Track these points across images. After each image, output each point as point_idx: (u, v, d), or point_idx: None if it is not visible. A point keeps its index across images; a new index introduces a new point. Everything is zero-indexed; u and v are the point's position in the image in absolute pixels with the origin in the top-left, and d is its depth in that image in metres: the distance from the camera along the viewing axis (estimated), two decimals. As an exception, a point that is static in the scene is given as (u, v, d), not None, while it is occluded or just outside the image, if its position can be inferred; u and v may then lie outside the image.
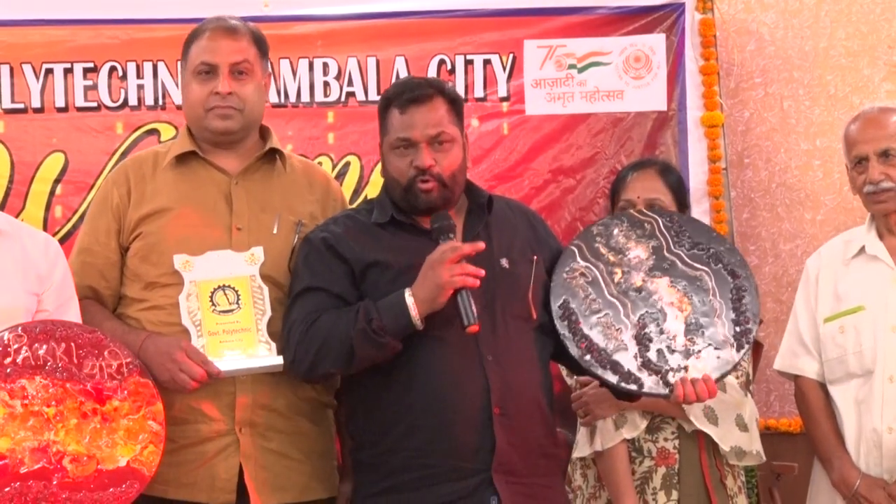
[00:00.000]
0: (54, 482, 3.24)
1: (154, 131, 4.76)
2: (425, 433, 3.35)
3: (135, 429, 3.34)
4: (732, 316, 3.47)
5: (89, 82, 4.77)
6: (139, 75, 4.77)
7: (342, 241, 3.46)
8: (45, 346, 3.31)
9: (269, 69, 3.81)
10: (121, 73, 4.77)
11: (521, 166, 4.91)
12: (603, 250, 3.54)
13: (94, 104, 4.76)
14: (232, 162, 3.67)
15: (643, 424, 3.92)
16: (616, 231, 3.57)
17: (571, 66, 4.91)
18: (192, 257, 3.52)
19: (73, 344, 3.33)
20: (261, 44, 3.71)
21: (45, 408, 3.29)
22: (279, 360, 3.47)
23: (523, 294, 3.44)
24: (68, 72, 4.75)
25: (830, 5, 5.17)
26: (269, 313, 3.53)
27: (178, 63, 3.85)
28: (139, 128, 4.77)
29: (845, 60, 5.18)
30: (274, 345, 3.50)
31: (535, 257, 3.51)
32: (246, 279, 3.54)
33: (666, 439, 3.94)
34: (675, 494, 3.91)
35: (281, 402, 3.55)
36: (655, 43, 4.93)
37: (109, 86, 4.77)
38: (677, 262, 3.53)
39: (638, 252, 3.54)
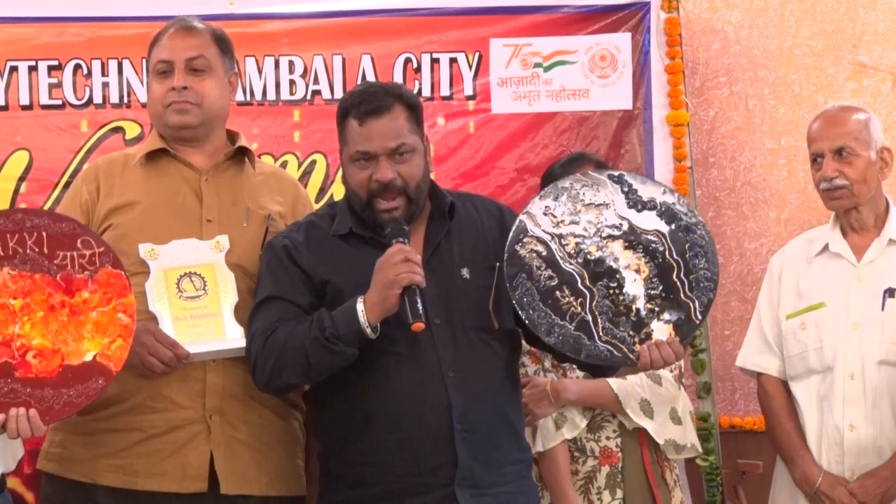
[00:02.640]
0: (17, 377, 3.20)
1: (119, 129, 4.75)
2: (385, 450, 3.34)
3: (104, 322, 3.28)
4: (691, 273, 3.38)
5: (54, 80, 4.75)
6: (104, 73, 4.75)
7: (302, 250, 3.43)
8: (15, 237, 3.25)
9: (236, 69, 3.84)
10: (85, 71, 4.76)
11: (487, 165, 4.91)
12: (553, 220, 3.42)
13: (59, 102, 4.74)
14: (201, 160, 3.71)
15: (583, 423, 3.92)
16: (565, 197, 3.45)
17: (537, 65, 4.91)
18: (156, 246, 3.56)
19: (44, 234, 3.28)
20: (221, 42, 3.75)
21: (11, 300, 3.23)
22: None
23: (484, 305, 3.40)
24: (33, 69, 4.73)
25: (795, 4, 5.19)
26: (235, 299, 3.55)
27: (144, 61, 3.85)
28: (104, 126, 4.75)
29: (810, 59, 5.20)
30: (242, 329, 3.52)
31: (498, 264, 3.44)
32: (211, 266, 3.57)
33: (608, 438, 3.95)
34: (619, 493, 3.91)
35: (250, 393, 3.55)
36: (621, 42, 4.93)
37: (74, 84, 4.76)
38: (630, 222, 3.42)
39: (589, 217, 3.42)
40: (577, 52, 4.92)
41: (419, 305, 3.21)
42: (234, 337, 3.52)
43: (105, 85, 4.76)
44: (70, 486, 3.57)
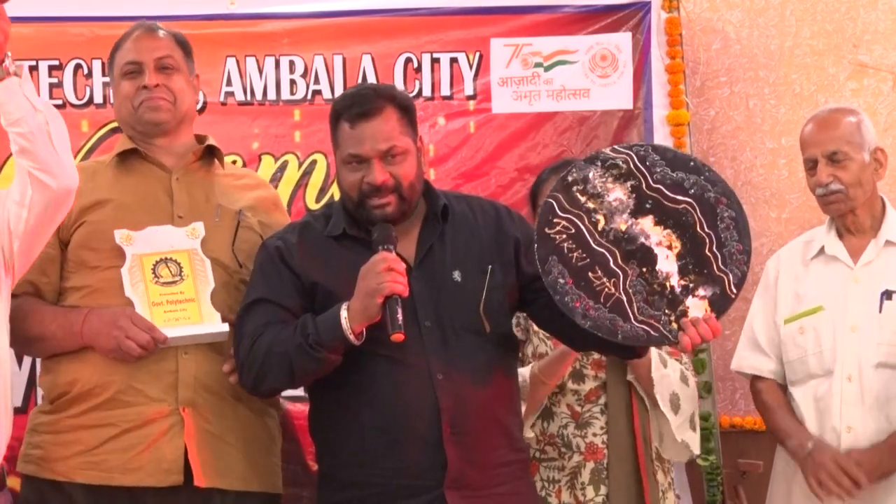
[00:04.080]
0: None
1: (119, 129, 4.70)
2: (375, 452, 3.35)
3: None
4: (724, 247, 3.30)
5: (54, 80, 4.77)
6: (105, 73, 4.74)
7: (294, 251, 3.44)
8: None
9: (196, 72, 3.88)
10: (86, 71, 4.77)
11: (487, 164, 4.92)
12: (581, 198, 3.32)
13: (60, 102, 4.73)
14: (171, 160, 3.74)
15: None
16: (592, 175, 3.34)
17: (538, 65, 4.92)
18: (132, 232, 3.57)
19: None
20: (184, 45, 3.81)
21: None
22: (225, 328, 3.52)
23: (475, 308, 3.40)
24: (33, 69, 4.72)
25: (795, 4, 5.19)
26: (212, 285, 3.57)
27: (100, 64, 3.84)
28: (104, 126, 4.77)
29: (810, 59, 5.20)
30: (218, 314, 3.54)
31: (490, 266, 3.44)
32: (187, 252, 3.59)
33: (595, 434, 3.96)
34: (603, 490, 3.92)
35: (224, 386, 3.56)
36: (621, 41, 4.93)
37: (75, 83, 4.77)
38: (659, 197, 3.32)
39: (617, 194, 3.33)
40: (578, 51, 4.92)
41: (399, 316, 3.21)
42: (211, 322, 3.54)
43: (106, 85, 4.75)
44: (48, 487, 3.57)
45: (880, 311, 3.94)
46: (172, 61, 3.72)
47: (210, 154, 3.79)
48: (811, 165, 4.04)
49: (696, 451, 4.03)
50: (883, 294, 3.96)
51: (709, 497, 4.72)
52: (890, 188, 4.99)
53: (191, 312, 3.54)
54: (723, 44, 5.21)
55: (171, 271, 3.56)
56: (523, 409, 3.91)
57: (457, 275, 3.43)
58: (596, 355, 3.97)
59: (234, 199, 3.73)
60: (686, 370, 4.05)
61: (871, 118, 4.86)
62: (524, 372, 3.96)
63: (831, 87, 5.18)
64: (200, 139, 3.81)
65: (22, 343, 3.70)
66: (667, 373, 3.95)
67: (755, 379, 4.16)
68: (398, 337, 3.21)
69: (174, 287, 3.55)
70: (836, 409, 3.93)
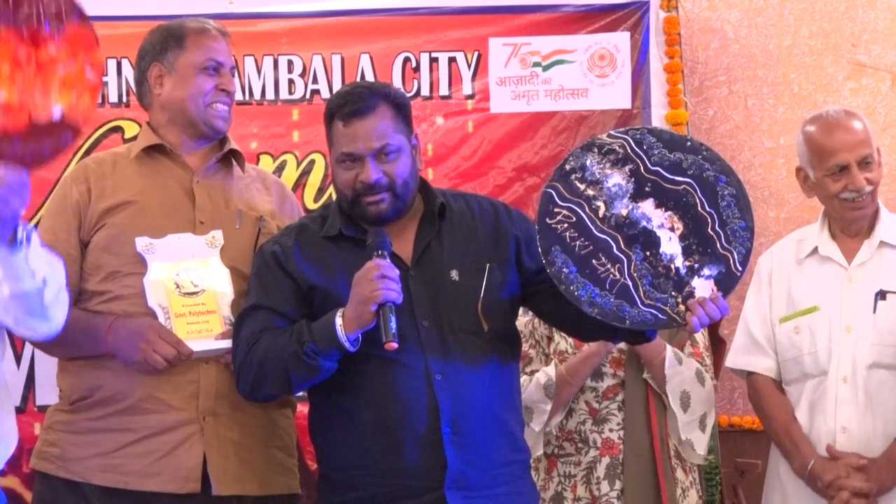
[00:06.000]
0: None
1: (118, 129, 4.75)
2: (374, 453, 3.33)
3: (70, 78, 3.05)
4: (726, 225, 3.28)
5: (54, 79, 4.76)
6: (103, 72, 4.75)
7: (291, 255, 3.42)
8: None
9: None
10: (86, 70, 4.77)
11: (485, 164, 4.92)
12: (580, 186, 3.30)
13: (59, 101, 4.74)
14: (195, 160, 3.72)
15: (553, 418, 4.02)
16: (590, 162, 3.31)
17: (536, 65, 4.92)
18: (153, 239, 3.55)
19: None
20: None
21: None
22: None
23: (473, 307, 3.38)
24: (33, 68, 4.73)
25: (794, 4, 5.20)
26: (232, 295, 3.56)
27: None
28: (103, 125, 4.76)
29: (809, 59, 5.21)
30: None
31: (488, 265, 3.42)
32: (207, 262, 3.57)
33: (612, 430, 3.98)
34: (618, 484, 3.94)
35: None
36: (620, 41, 4.94)
37: (74, 83, 4.77)
38: (658, 180, 3.29)
39: (616, 179, 3.30)
40: (576, 51, 4.92)
41: (392, 324, 3.19)
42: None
43: (104, 84, 4.75)
44: (63, 486, 3.57)
45: (874, 312, 3.92)
46: (234, 69, 3.77)
47: (229, 154, 3.77)
48: (834, 171, 3.95)
49: (699, 451, 4.03)
50: (877, 294, 3.94)
51: (707, 496, 4.71)
52: (889, 188, 5.00)
53: (212, 324, 3.54)
54: (721, 43, 5.21)
55: (192, 281, 3.55)
56: (548, 408, 3.97)
57: (454, 274, 3.41)
58: (616, 353, 3.99)
59: (254, 203, 3.72)
60: (705, 371, 4.05)
61: (869, 118, 4.88)
62: (550, 371, 3.99)
63: (830, 86, 5.18)
64: (222, 139, 3.79)
65: (42, 346, 3.70)
66: (680, 370, 3.97)
67: (751, 375, 4.13)
68: (391, 346, 3.19)
69: (196, 298, 3.54)
70: (831, 410, 3.91)
